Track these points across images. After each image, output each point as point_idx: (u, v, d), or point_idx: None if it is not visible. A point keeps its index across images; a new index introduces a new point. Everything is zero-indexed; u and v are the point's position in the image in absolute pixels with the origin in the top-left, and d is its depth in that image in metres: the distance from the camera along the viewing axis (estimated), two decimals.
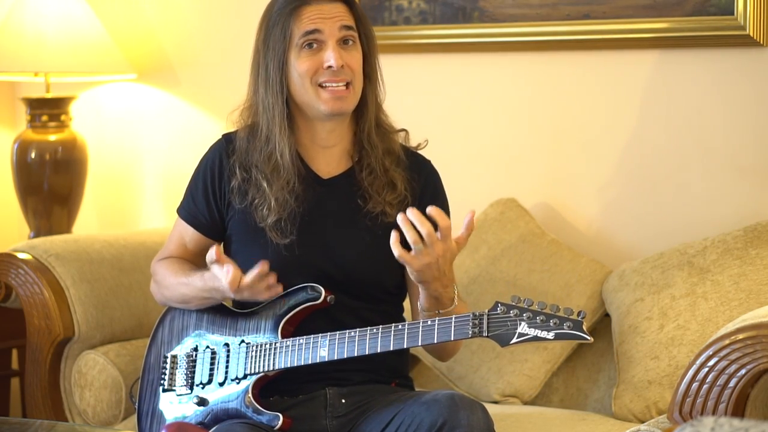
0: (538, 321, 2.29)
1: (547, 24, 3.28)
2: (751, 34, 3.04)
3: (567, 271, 3.09)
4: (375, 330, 2.42)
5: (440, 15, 3.42)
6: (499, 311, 2.32)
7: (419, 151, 2.71)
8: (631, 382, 2.88)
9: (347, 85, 2.55)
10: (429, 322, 2.37)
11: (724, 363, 2.36)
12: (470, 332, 2.32)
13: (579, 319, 2.29)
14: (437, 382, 3.15)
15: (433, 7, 3.42)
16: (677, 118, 3.18)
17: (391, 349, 2.40)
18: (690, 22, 3.12)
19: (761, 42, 3.04)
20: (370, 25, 2.64)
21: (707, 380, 2.37)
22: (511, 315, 2.31)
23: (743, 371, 2.34)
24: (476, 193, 3.34)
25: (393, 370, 2.65)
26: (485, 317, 2.32)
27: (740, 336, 2.35)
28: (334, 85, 2.54)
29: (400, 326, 2.40)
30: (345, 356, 2.44)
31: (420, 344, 2.39)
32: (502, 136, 3.40)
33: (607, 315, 3.05)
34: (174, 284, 2.67)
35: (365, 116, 2.62)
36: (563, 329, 2.28)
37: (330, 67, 2.53)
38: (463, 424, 2.32)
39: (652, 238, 3.18)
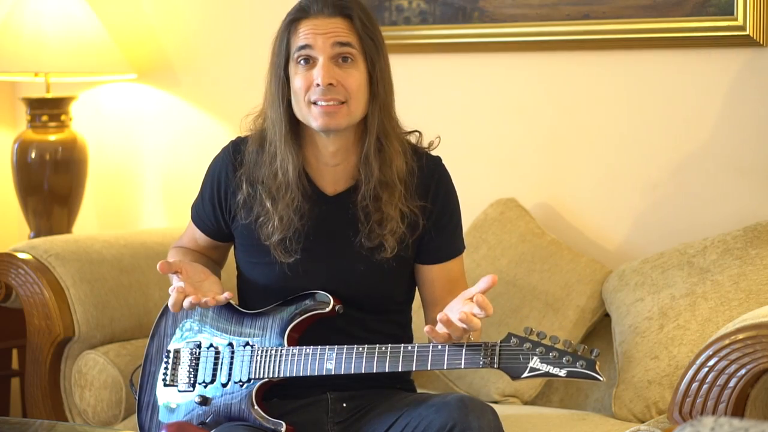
0: (550, 357, 2.27)
1: (547, 24, 3.28)
2: (751, 34, 3.04)
3: (567, 271, 3.09)
4: (384, 349, 2.39)
5: (440, 15, 3.42)
6: (511, 343, 2.29)
7: (432, 152, 2.63)
8: (631, 382, 2.88)
9: (341, 103, 2.47)
10: (439, 347, 2.34)
11: (724, 363, 2.36)
12: (481, 362, 2.30)
13: (592, 357, 2.27)
14: (437, 382, 3.15)
15: (433, 7, 3.42)
16: (677, 118, 3.18)
17: (400, 370, 2.38)
18: (690, 22, 3.12)
19: (761, 42, 3.04)
20: (379, 44, 2.53)
21: (707, 380, 2.37)
22: (524, 348, 2.28)
23: (743, 371, 2.34)
24: (476, 193, 3.34)
25: (395, 377, 2.62)
26: (497, 348, 2.30)
27: (740, 336, 2.35)
28: (323, 102, 2.46)
29: (409, 348, 2.38)
30: (352, 372, 2.42)
31: (429, 368, 2.37)
32: (502, 136, 3.40)
33: (607, 315, 3.05)
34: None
35: (366, 139, 2.53)
36: (576, 368, 2.26)
37: (318, 85, 2.46)
38: (474, 428, 2.31)
39: (652, 238, 3.18)
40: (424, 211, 2.56)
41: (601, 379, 2.26)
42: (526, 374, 2.28)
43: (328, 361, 2.43)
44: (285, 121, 2.51)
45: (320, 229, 2.56)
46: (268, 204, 2.53)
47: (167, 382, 2.63)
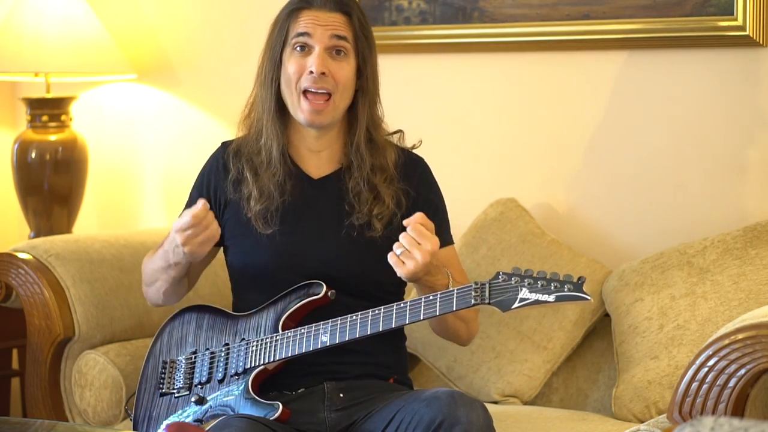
0: (539, 286, 2.33)
1: (547, 24, 3.28)
2: (751, 34, 3.04)
3: (567, 271, 3.07)
4: (377, 311, 2.44)
5: (440, 15, 3.42)
6: (500, 279, 2.35)
7: (414, 151, 2.74)
8: (631, 382, 2.89)
9: (328, 96, 2.58)
10: (431, 296, 2.40)
11: (723, 363, 2.36)
12: (472, 301, 2.35)
13: (578, 282, 2.32)
14: (437, 382, 3.15)
15: (433, 7, 3.42)
16: (677, 118, 3.18)
17: (394, 326, 2.42)
18: (690, 22, 3.12)
19: (761, 42, 3.04)
20: (372, 43, 2.65)
21: (707, 380, 2.37)
22: (512, 282, 2.34)
23: (743, 371, 2.34)
24: (476, 193, 3.34)
25: (391, 366, 2.67)
26: (487, 285, 2.35)
27: (740, 336, 2.35)
28: (313, 90, 2.57)
29: (402, 304, 2.43)
30: (347, 338, 2.45)
31: (423, 318, 2.40)
32: (501, 136, 3.40)
33: (607, 315, 3.05)
34: (148, 262, 2.75)
35: (356, 130, 2.64)
36: (564, 291, 2.31)
37: (312, 72, 2.57)
38: (463, 422, 2.33)
39: (652, 238, 3.18)
40: (407, 195, 2.66)
41: (589, 298, 2.31)
42: (516, 305, 2.33)
43: (323, 334, 2.48)
44: (273, 102, 2.63)
45: (308, 210, 2.64)
46: (249, 176, 2.63)
47: (164, 391, 2.65)
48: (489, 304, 2.34)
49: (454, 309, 2.38)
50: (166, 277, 2.70)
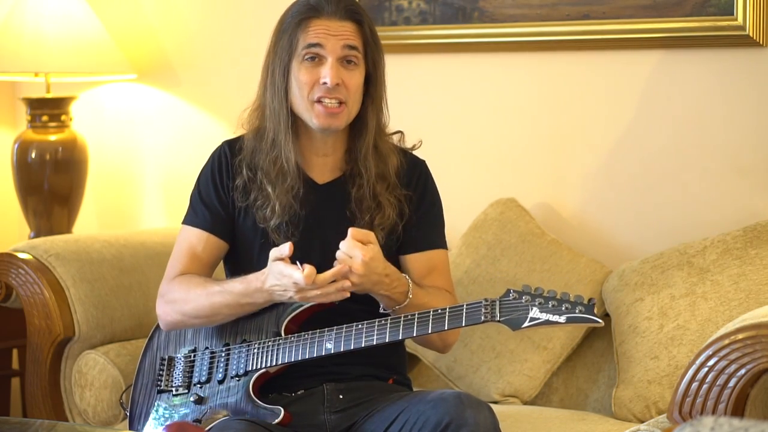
0: (549, 306, 2.32)
1: (547, 24, 3.28)
2: (751, 34, 3.04)
3: (567, 271, 3.09)
4: (383, 321, 2.43)
5: (440, 15, 3.42)
6: (510, 297, 2.34)
7: (414, 152, 2.73)
8: (631, 382, 2.89)
9: (340, 103, 2.56)
10: (440, 310, 2.39)
11: (723, 363, 2.36)
12: (482, 317, 2.34)
13: (590, 304, 2.32)
14: (437, 382, 3.16)
15: (433, 7, 3.42)
16: (677, 118, 3.18)
17: (400, 338, 2.42)
18: (690, 22, 3.12)
19: (761, 42, 3.04)
20: (381, 48, 2.63)
21: (707, 380, 2.37)
22: (523, 301, 2.33)
23: (743, 371, 2.34)
24: (476, 193, 3.34)
25: (391, 367, 2.66)
26: (497, 303, 2.35)
27: (740, 336, 2.35)
28: (327, 100, 2.54)
29: (409, 316, 2.42)
30: (352, 347, 2.44)
31: (431, 332, 2.40)
32: (502, 136, 3.40)
33: (607, 315, 3.05)
34: (202, 295, 2.58)
35: (363, 137, 2.62)
36: (575, 313, 2.31)
37: (325, 83, 2.54)
38: (470, 423, 2.33)
39: (652, 238, 3.18)
40: (410, 200, 2.65)
41: (600, 323, 2.31)
42: (526, 324, 2.32)
43: (327, 341, 2.47)
44: (287, 113, 2.59)
45: (313, 216, 2.63)
46: (269, 189, 2.59)
47: (162, 388, 2.64)
48: (499, 321, 2.33)
49: (463, 325, 2.37)
50: (234, 313, 2.58)
